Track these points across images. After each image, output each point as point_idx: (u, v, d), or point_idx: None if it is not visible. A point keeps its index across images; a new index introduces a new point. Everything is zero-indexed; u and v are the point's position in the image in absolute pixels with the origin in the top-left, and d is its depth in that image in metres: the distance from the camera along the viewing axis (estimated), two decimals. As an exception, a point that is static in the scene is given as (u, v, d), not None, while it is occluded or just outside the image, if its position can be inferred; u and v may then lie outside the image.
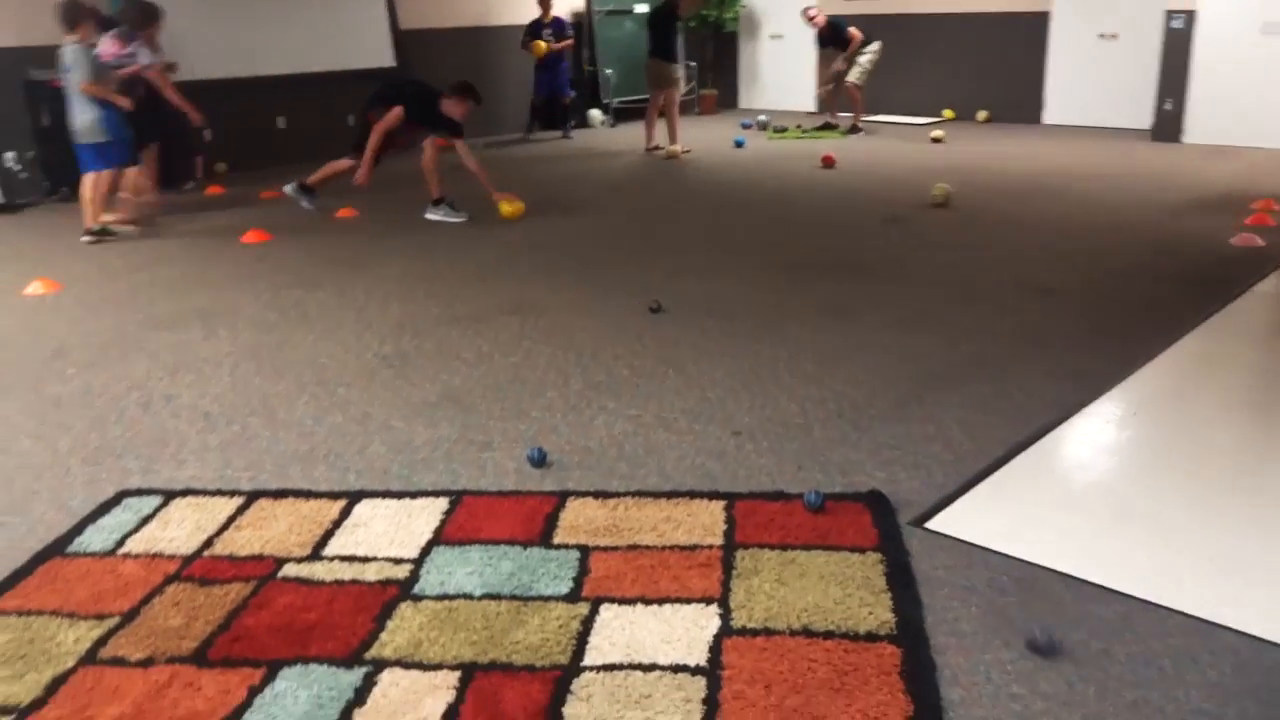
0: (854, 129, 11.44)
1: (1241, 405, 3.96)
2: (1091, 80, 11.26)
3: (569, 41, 11.82)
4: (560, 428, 3.76)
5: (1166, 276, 5.58)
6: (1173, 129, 10.20)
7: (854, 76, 11.23)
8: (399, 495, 3.25)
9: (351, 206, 7.91)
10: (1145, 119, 10.58)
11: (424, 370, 4.42)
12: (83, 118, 6.81)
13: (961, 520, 3.00)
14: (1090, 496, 3.20)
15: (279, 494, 3.29)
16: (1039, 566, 2.74)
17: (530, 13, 11.82)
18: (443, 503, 3.19)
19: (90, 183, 7.00)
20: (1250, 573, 2.72)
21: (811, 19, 11.26)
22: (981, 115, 12.14)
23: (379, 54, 11.01)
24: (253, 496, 3.28)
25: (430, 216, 7.56)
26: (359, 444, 3.67)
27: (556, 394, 4.10)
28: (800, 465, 3.38)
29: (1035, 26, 11.54)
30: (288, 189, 7.84)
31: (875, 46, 11.12)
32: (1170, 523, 3.01)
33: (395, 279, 5.95)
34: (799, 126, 11.99)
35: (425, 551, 2.91)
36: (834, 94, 11.61)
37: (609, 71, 12.87)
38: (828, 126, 11.61)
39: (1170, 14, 10.01)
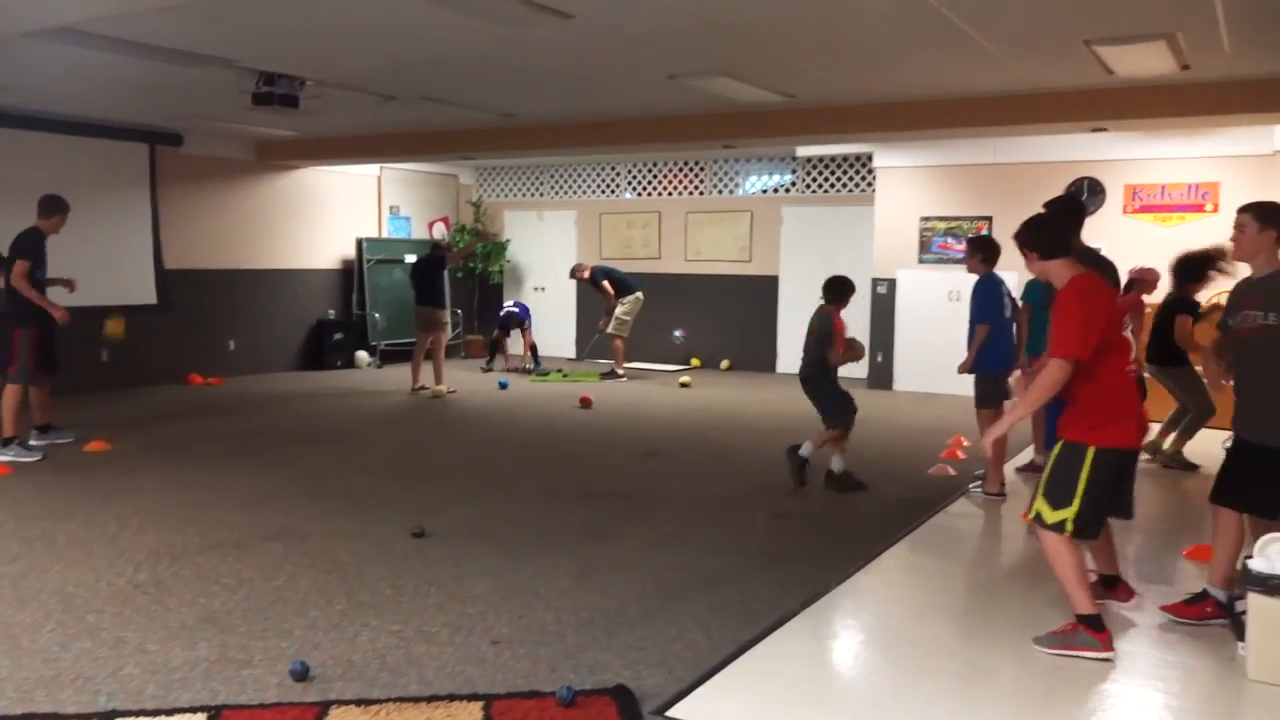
0: (612, 374, 12.29)
1: (935, 603, 4.57)
2: (816, 335, 12.71)
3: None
4: (323, 644, 3.86)
5: (880, 501, 6.36)
6: (885, 378, 11.65)
7: (613, 328, 12.21)
8: (154, 713, 3.24)
9: (103, 439, 7.73)
10: (861, 370, 12.02)
11: (182, 595, 4.40)
12: None
13: (698, 707, 3.34)
14: (808, 681, 3.63)
15: (22, 719, 3.19)
16: (763, 743, 3.09)
17: (290, 260, 12.25)
18: (201, 717, 3.21)
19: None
20: (936, 739, 3.18)
21: (580, 276, 12.37)
22: (724, 364, 13.37)
23: (142, 291, 11.03)
24: (-9, 723, 3.17)
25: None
26: (111, 667, 3.61)
27: (320, 613, 4.19)
28: (554, 667, 3.64)
29: (768, 287, 13.07)
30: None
31: (632, 298, 12.19)
32: (876, 701, 3.46)
33: (151, 509, 5.87)
34: (560, 370, 12.75)
35: (182, 764, 2.92)
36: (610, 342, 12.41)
37: (377, 315, 13.33)
38: (613, 375, 12.31)
39: (876, 280, 11.66)
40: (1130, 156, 10.24)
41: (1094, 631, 3.80)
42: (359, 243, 13.41)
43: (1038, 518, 3.88)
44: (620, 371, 12.29)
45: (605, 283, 12.18)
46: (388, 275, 13.55)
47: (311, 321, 12.99)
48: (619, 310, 12.18)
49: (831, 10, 5.59)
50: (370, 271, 13.35)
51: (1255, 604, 3.56)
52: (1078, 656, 3.78)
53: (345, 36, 6.43)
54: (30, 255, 7.25)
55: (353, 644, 3.86)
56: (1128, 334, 4.12)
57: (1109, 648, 3.78)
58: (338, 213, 13.39)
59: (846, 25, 5.92)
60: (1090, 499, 3.77)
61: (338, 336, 13.08)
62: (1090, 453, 3.76)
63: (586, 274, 12.38)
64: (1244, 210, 4.06)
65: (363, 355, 13.24)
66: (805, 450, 6.59)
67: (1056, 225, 4.06)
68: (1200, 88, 7.40)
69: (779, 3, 5.44)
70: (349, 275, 13.45)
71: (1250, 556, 3.70)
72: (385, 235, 13.95)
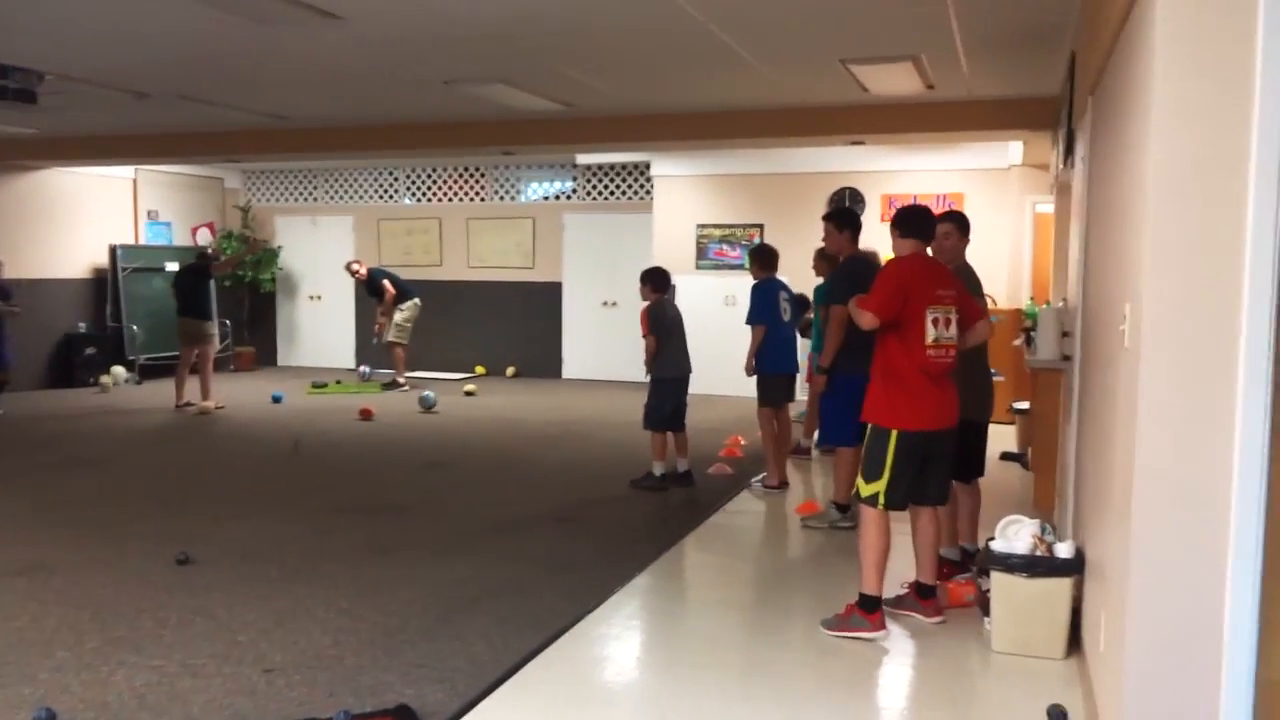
0: (393, 384, 11.97)
1: (715, 599, 4.73)
2: (600, 341, 12.91)
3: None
4: (73, 686, 3.56)
5: (663, 502, 6.51)
6: (667, 381, 11.92)
7: (393, 335, 11.89)
8: None
9: None
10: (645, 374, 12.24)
11: (-97, 644, 3.96)
12: None
13: (482, 721, 3.31)
14: (592, 685, 3.67)
15: None
16: (548, 751, 3.10)
17: None
18: (-74, 780, 2.90)
19: None
20: (715, 732, 3.28)
21: (354, 272, 11.96)
22: (510, 371, 13.32)
23: None
24: None
25: None
26: None
27: (69, 653, 3.87)
28: (332, 692, 3.52)
29: (552, 294, 13.11)
30: None
31: (410, 303, 11.92)
32: (657, 697, 3.54)
33: None
34: (338, 381, 12.32)
35: (-97, 834, 2.62)
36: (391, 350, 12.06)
37: (135, 328, 12.45)
38: (394, 385, 11.94)
39: (656, 288, 11.91)
40: (886, 168, 10.96)
41: (866, 613, 4.06)
42: (113, 250, 12.48)
43: (856, 493, 4.19)
44: (401, 380, 11.99)
45: (385, 282, 11.86)
46: (146, 285, 12.67)
47: (59, 335, 11.99)
48: (398, 317, 11.87)
49: (602, 23, 5.68)
50: (126, 281, 12.45)
51: (997, 582, 3.88)
52: (854, 638, 4.03)
53: (88, 30, 5.97)
54: None
55: (107, 684, 3.59)
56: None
57: (880, 627, 4.06)
58: (88, 217, 12.43)
59: (618, 38, 6.03)
60: (896, 474, 4.04)
61: (90, 351, 12.13)
62: (893, 435, 4.04)
63: (363, 272, 11.98)
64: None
65: (120, 371, 12.32)
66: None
67: (920, 212, 4.33)
68: (944, 106, 8.02)
69: (549, 15, 5.48)
70: (101, 285, 12.51)
71: (992, 538, 4.04)
72: (143, 242, 13.05)
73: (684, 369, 6.94)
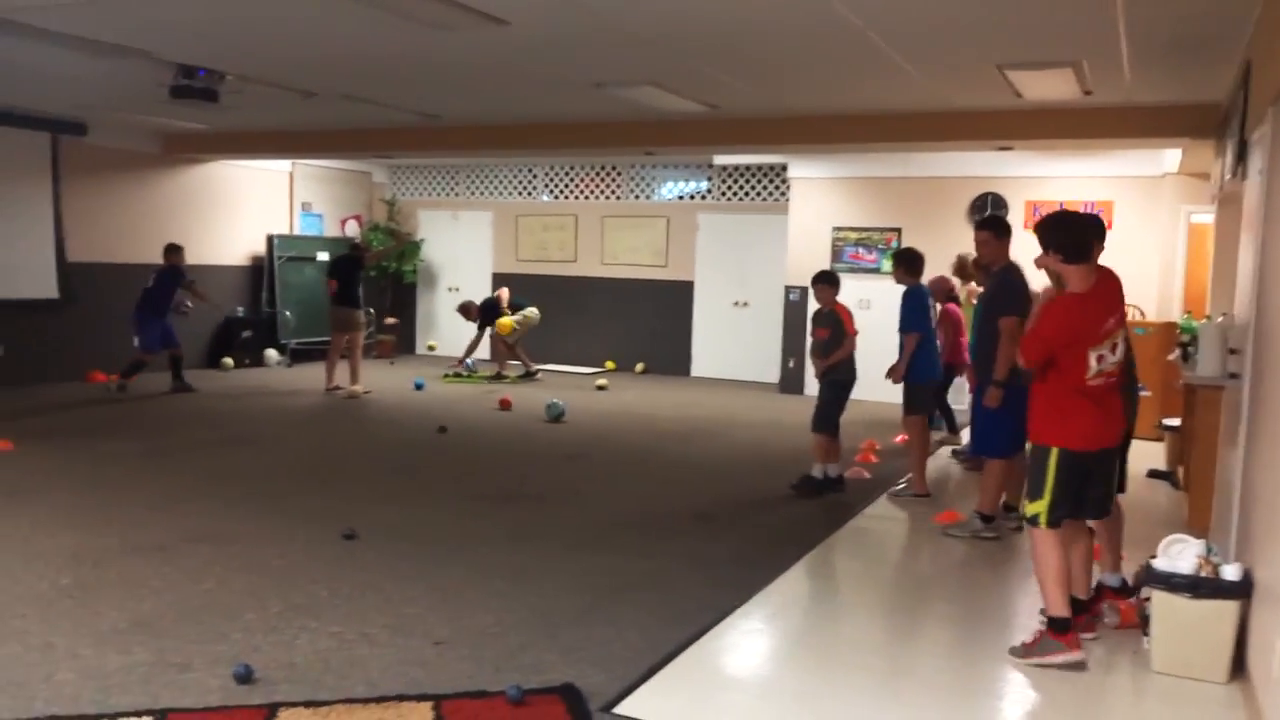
0: (529, 375, 12.31)
1: (859, 603, 4.77)
2: (729, 340, 12.99)
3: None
4: (263, 647, 3.84)
5: (798, 504, 6.56)
6: (796, 383, 11.92)
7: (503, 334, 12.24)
8: (95, 718, 3.20)
9: (5, 439, 7.46)
10: (774, 374, 12.29)
11: (109, 599, 4.32)
12: None
13: (642, 704, 3.44)
14: (743, 677, 3.77)
15: (-46, 726, 3.13)
16: (707, 737, 3.21)
17: (220, 255, 11.97)
18: (145, 721, 3.18)
19: None
20: (869, 730, 3.34)
21: (469, 315, 12.32)
22: (639, 367, 13.52)
23: (42, 284, 10.65)
24: (-78, 731, 3.09)
25: None
26: (43, 673, 3.54)
27: (255, 616, 4.17)
28: (498, 667, 3.70)
29: (683, 293, 13.25)
30: None
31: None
32: (807, 694, 3.62)
33: (65, 510, 5.72)
34: (475, 371, 12.70)
35: (130, 768, 2.90)
36: (502, 348, 12.44)
37: (288, 313, 13.09)
38: (499, 377, 12.31)
39: (788, 289, 11.94)
40: (1031, 174, 10.71)
41: (1057, 634, 3.89)
42: (270, 239, 13.16)
43: (1023, 515, 4.16)
44: (505, 373, 12.22)
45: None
46: (299, 273, 13.32)
47: (219, 318, 12.70)
48: (513, 318, 12.22)
49: (759, 27, 5.75)
50: (281, 269, 13.11)
51: (1158, 601, 3.82)
52: (1050, 665, 3.86)
53: (272, 33, 6.35)
54: None
55: (292, 646, 3.86)
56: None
57: (1075, 648, 3.88)
58: (247, 208, 13.13)
59: (772, 42, 6.09)
60: (1058, 494, 3.94)
61: (246, 334, 12.82)
62: (1054, 452, 3.94)
63: (475, 312, 12.35)
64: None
65: (272, 354, 12.99)
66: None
67: (1076, 229, 3.95)
68: (1100, 111, 7.83)
69: (707, 17, 5.58)
70: (258, 272, 13.20)
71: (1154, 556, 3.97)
72: (297, 232, 13.71)
73: (855, 374, 6.93)
